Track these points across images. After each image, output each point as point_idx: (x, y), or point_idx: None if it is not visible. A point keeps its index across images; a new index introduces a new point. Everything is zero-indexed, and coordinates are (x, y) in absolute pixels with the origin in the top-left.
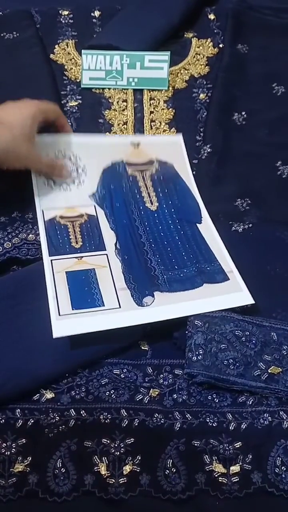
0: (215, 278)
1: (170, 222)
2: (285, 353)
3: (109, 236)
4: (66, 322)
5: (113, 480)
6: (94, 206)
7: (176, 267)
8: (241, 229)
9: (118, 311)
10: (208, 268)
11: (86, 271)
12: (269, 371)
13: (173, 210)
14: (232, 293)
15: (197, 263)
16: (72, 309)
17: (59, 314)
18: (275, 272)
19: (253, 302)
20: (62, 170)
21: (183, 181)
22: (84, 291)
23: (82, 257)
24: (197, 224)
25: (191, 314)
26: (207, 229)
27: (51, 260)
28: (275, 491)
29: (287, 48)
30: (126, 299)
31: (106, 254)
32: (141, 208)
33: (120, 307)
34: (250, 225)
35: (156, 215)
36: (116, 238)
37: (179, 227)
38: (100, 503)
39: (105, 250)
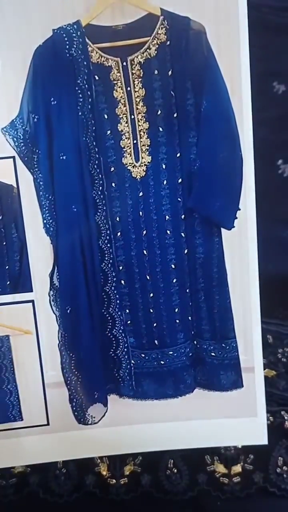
0: (218, 379)
1: (166, 216)
2: (280, 357)
3: (38, 247)
4: None
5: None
6: (13, 160)
7: (156, 341)
8: None
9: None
10: (212, 352)
11: None
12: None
13: (180, 179)
14: (241, 418)
15: (196, 335)
16: None
17: None
18: (277, 271)
19: (266, 443)
20: None
21: (222, 86)
22: None
23: None
24: (222, 232)
25: (165, 449)
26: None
27: None
28: (276, 491)
29: (287, 47)
30: (60, 407)
31: (33, 301)
32: (112, 168)
33: (48, 423)
34: None
35: (141, 191)
36: (55, 256)
37: (182, 234)
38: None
39: (32, 289)
